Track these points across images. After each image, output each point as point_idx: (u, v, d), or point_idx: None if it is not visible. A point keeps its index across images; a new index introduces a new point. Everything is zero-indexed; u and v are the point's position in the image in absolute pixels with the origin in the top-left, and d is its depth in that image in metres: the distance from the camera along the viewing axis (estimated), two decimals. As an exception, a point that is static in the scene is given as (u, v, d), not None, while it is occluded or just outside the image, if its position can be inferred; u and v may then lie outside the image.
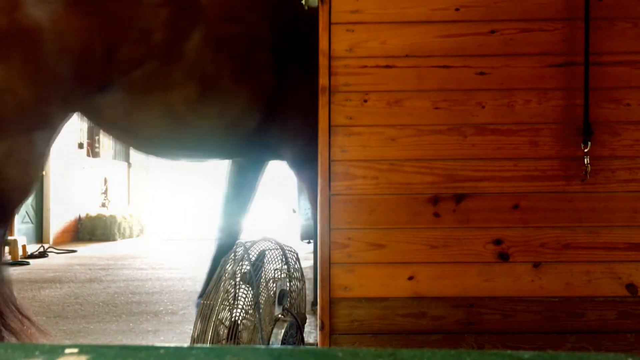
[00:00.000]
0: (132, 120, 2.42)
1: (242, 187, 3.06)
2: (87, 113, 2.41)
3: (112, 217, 9.73)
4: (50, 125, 2.19)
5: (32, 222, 8.63)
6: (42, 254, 7.45)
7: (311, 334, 3.21)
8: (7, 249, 6.90)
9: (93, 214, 9.79)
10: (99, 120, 2.49)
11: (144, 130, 2.48)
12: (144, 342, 3.31)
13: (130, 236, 10.11)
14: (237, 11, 2.53)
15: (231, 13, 2.49)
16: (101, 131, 2.64)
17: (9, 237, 7.31)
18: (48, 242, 8.70)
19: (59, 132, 2.27)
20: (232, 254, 2.09)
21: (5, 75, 1.99)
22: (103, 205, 10.41)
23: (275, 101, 2.60)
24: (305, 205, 6.29)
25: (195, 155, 2.90)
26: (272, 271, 2.20)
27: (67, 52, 2.09)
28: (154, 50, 2.27)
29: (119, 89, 2.28)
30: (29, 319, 2.25)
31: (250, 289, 2.05)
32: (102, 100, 2.31)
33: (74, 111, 2.33)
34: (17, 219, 8.11)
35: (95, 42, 2.14)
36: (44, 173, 8.81)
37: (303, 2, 2.13)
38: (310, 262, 4.98)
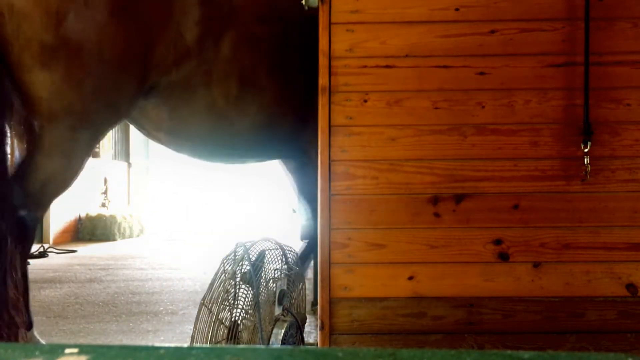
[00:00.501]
0: (175, 120, 2.53)
1: (306, 182, 3.18)
2: (134, 119, 2.55)
3: (112, 217, 9.73)
4: (94, 126, 2.32)
5: (32, 222, 8.61)
6: (42, 254, 7.45)
7: (311, 334, 3.21)
8: (7, 249, 6.89)
9: (93, 214, 9.79)
10: (145, 124, 2.61)
11: (188, 129, 2.59)
12: (144, 342, 3.31)
13: (130, 236, 10.11)
14: (267, 12, 2.65)
15: (262, 13, 2.62)
16: (149, 137, 2.78)
17: (9, 237, 7.30)
18: (48, 242, 8.69)
19: (105, 133, 2.42)
20: (232, 254, 2.09)
21: (52, 81, 2.14)
22: (103, 205, 10.41)
23: (307, 102, 2.68)
24: (305, 205, 6.27)
25: (235, 154, 2.99)
26: (272, 271, 2.20)
27: (108, 60, 2.22)
28: (190, 50, 2.38)
29: (161, 90, 2.41)
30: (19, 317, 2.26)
31: (250, 289, 2.05)
32: (147, 104, 2.44)
33: (120, 117, 2.46)
34: (17, 219, 8.09)
35: (134, 48, 2.27)
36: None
37: (303, 2, 2.13)
38: (311, 262, 4.97)
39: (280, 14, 2.71)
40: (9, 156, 2.31)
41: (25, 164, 2.29)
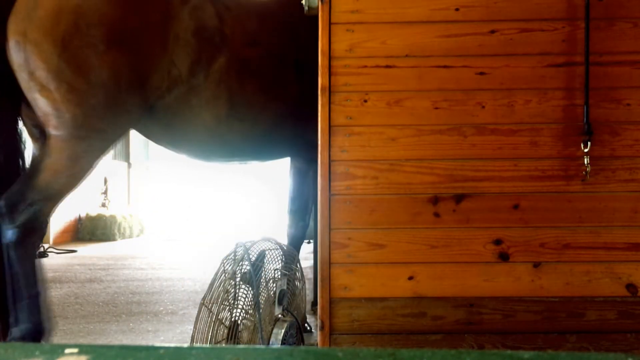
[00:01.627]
0: (172, 135, 2.85)
1: (303, 186, 3.46)
2: (140, 130, 2.87)
3: (112, 217, 9.73)
4: (98, 139, 2.58)
5: (32, 222, 8.61)
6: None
7: (311, 334, 3.21)
8: (7, 249, 6.89)
9: (93, 214, 9.79)
10: (149, 135, 2.92)
11: (184, 142, 2.91)
12: (144, 342, 3.31)
13: (130, 236, 10.11)
14: (258, 36, 2.92)
15: (253, 38, 2.89)
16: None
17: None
18: (48, 242, 8.69)
19: (110, 144, 2.67)
20: (232, 254, 2.09)
21: (55, 100, 2.44)
22: (103, 205, 10.41)
23: (305, 109, 2.88)
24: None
25: (232, 160, 3.29)
26: (272, 271, 2.20)
27: (106, 84, 2.48)
28: (182, 77, 2.66)
29: (159, 110, 2.70)
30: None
31: (250, 289, 2.05)
32: (149, 120, 2.74)
33: (124, 131, 2.73)
34: None
35: (130, 75, 2.53)
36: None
37: (303, 2, 2.13)
38: (310, 262, 4.98)
39: (267, 36, 2.96)
40: (24, 156, 2.62)
41: (36, 164, 2.54)
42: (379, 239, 2.07)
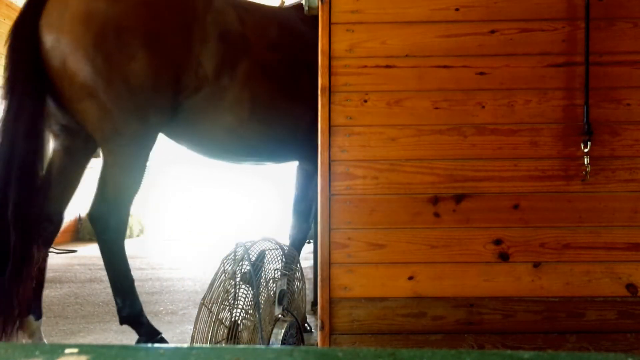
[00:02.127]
0: (195, 134, 2.90)
1: (308, 189, 3.51)
2: (167, 132, 2.92)
3: (112, 217, 9.71)
4: (139, 143, 2.68)
5: (32, 222, 8.61)
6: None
7: (311, 334, 3.21)
8: (7, 249, 6.88)
9: (93, 214, 9.77)
10: (174, 136, 2.97)
11: (205, 141, 2.96)
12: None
13: (130, 236, 10.10)
14: (277, 40, 3.02)
15: (273, 42, 2.99)
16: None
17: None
18: (48, 242, 8.67)
19: (152, 147, 2.77)
20: (232, 254, 2.09)
21: (94, 108, 2.50)
22: (103, 205, 10.38)
23: (316, 112, 3.01)
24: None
25: (250, 161, 3.37)
26: (272, 271, 2.20)
27: (139, 87, 2.55)
28: (208, 79, 2.74)
29: (185, 109, 2.76)
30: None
31: (250, 289, 2.05)
32: (175, 120, 2.80)
33: (156, 131, 2.79)
34: None
35: (161, 77, 2.61)
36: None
37: (303, 2, 2.13)
38: (310, 262, 4.98)
39: (284, 40, 3.06)
40: (43, 155, 2.72)
41: (102, 176, 2.67)
42: (379, 239, 2.07)
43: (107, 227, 2.68)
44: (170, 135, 2.97)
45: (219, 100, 2.79)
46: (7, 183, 2.43)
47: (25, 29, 2.46)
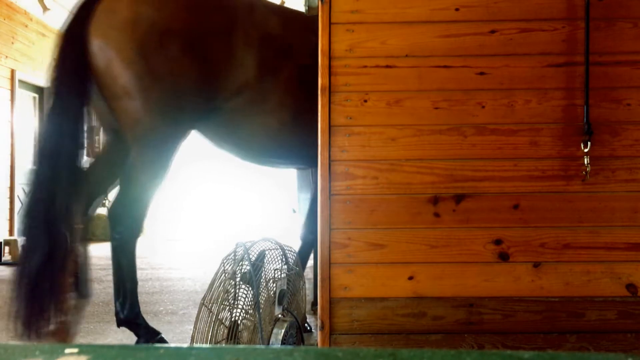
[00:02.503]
0: (236, 136, 2.98)
1: None
2: (204, 131, 2.99)
3: (112, 217, 9.71)
4: (170, 143, 2.78)
5: (32, 222, 8.61)
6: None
7: (311, 334, 3.21)
8: (7, 249, 6.90)
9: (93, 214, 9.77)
10: (214, 138, 3.04)
11: (248, 146, 3.04)
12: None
13: (130, 236, 10.08)
14: (313, 45, 3.12)
15: (310, 48, 3.02)
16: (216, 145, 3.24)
17: (9, 237, 7.31)
18: (48, 242, 8.67)
19: (179, 146, 2.86)
20: (232, 254, 2.09)
21: (136, 107, 2.63)
22: (103, 205, 10.40)
23: None
24: (305, 206, 6.29)
25: (294, 164, 3.46)
26: (272, 271, 2.20)
27: (180, 89, 2.64)
28: (249, 82, 2.80)
29: (225, 112, 2.84)
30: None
31: (250, 289, 2.05)
32: (213, 122, 2.87)
33: (187, 133, 2.89)
34: (17, 219, 8.10)
35: (201, 79, 2.69)
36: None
37: (303, 2, 2.13)
38: (310, 262, 4.98)
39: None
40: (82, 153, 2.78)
41: (125, 175, 2.78)
42: (379, 239, 2.07)
43: (124, 225, 2.79)
44: (209, 137, 3.03)
45: (261, 103, 2.86)
46: (52, 177, 2.54)
47: (74, 34, 2.60)
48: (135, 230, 2.82)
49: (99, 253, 7.79)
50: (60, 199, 2.53)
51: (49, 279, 2.50)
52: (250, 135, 2.95)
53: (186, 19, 2.65)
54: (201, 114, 2.78)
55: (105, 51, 2.58)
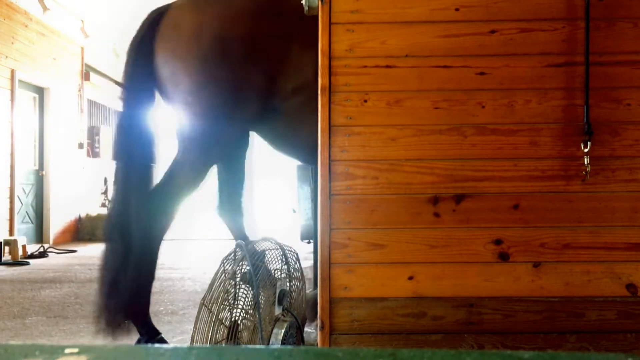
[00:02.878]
0: (296, 138, 3.07)
1: None
2: (262, 132, 3.10)
3: (112, 217, 9.70)
4: (228, 144, 2.95)
5: (32, 222, 8.63)
6: (42, 254, 7.45)
7: (311, 334, 3.21)
8: (7, 249, 6.90)
9: (93, 214, 9.78)
10: (272, 139, 3.15)
11: (306, 145, 3.09)
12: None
13: (130, 236, 10.08)
14: None
15: None
16: (270, 146, 3.34)
17: (9, 237, 7.31)
18: (48, 242, 8.69)
19: (234, 146, 3.04)
20: (232, 254, 2.09)
21: (196, 113, 2.76)
22: (103, 205, 10.40)
23: None
24: (305, 205, 6.30)
25: None
26: (272, 271, 2.20)
27: (243, 92, 2.77)
28: (308, 82, 2.85)
29: (283, 113, 2.92)
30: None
31: (250, 289, 2.05)
32: (271, 122, 2.97)
33: (248, 133, 3.07)
34: (17, 219, 8.11)
35: (262, 82, 2.81)
36: (43, 173, 8.82)
37: (303, 2, 2.13)
38: (310, 262, 4.98)
39: None
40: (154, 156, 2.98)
41: (169, 175, 2.87)
42: (379, 239, 2.07)
43: (157, 220, 2.81)
44: (267, 137, 3.12)
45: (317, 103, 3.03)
46: (127, 182, 2.76)
47: (142, 46, 2.80)
48: (164, 226, 2.85)
49: (99, 253, 7.79)
50: (136, 201, 2.72)
51: (129, 277, 2.67)
52: (307, 134, 3.05)
53: (247, 27, 2.76)
54: (260, 115, 2.87)
55: (171, 62, 2.75)
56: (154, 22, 2.83)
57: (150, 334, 2.81)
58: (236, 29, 2.74)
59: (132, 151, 2.82)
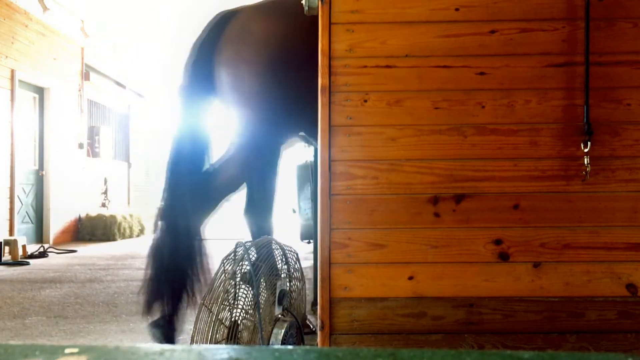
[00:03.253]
0: None
1: None
2: (310, 132, 3.18)
3: (112, 217, 9.73)
4: (276, 149, 3.05)
5: (32, 222, 8.64)
6: (42, 254, 7.45)
7: (312, 333, 3.20)
8: (7, 249, 6.90)
9: (93, 214, 9.78)
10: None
11: None
12: (144, 342, 3.30)
13: (130, 236, 10.10)
14: None
15: None
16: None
17: (9, 237, 7.31)
18: (48, 242, 8.69)
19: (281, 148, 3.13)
20: (232, 254, 2.09)
21: (259, 115, 2.88)
22: (103, 205, 10.41)
23: None
24: (305, 205, 6.31)
25: None
26: (272, 271, 2.20)
27: (299, 97, 2.81)
28: None
29: None
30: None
31: (250, 289, 2.05)
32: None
33: (300, 132, 3.15)
34: (17, 219, 8.11)
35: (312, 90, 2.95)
36: (43, 173, 8.82)
37: (303, 2, 2.13)
38: (310, 262, 4.98)
39: None
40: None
41: (218, 172, 2.98)
42: (379, 239, 2.07)
43: (193, 219, 2.92)
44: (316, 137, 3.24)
45: None
46: (181, 180, 2.85)
47: (208, 44, 2.91)
48: (202, 222, 2.95)
49: (99, 253, 7.79)
50: (191, 197, 2.84)
51: (179, 272, 2.77)
52: None
53: (309, 36, 2.88)
54: (310, 117, 3.00)
55: (238, 64, 2.86)
56: (220, 25, 2.94)
57: (168, 330, 2.84)
58: (298, 41, 2.83)
59: (189, 150, 2.92)
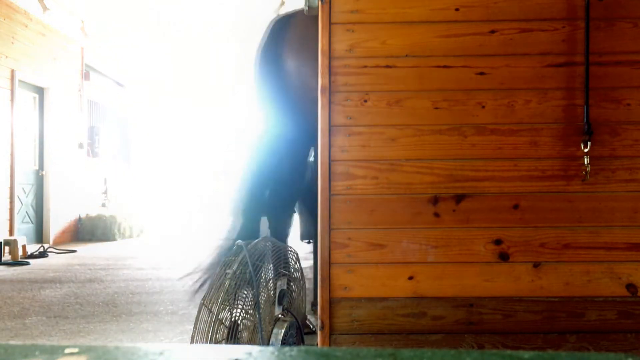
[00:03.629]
0: None
1: None
2: None
3: (112, 217, 9.73)
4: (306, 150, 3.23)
5: (32, 222, 8.63)
6: (42, 254, 7.45)
7: (312, 333, 3.20)
8: (7, 249, 6.90)
9: (93, 214, 9.78)
10: None
11: None
12: (144, 342, 3.30)
13: (130, 236, 10.10)
14: None
15: None
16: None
17: (9, 237, 7.31)
18: (48, 242, 8.69)
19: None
20: (232, 254, 2.09)
21: (308, 106, 2.89)
22: (103, 205, 10.41)
23: None
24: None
25: None
26: (272, 271, 2.20)
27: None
28: None
29: None
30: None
31: (250, 289, 2.05)
32: None
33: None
34: (17, 219, 8.11)
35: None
36: (43, 173, 8.82)
37: (303, 2, 2.13)
38: (310, 262, 4.98)
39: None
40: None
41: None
42: (379, 239, 2.07)
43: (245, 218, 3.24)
44: None
45: None
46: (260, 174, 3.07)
47: (272, 49, 3.07)
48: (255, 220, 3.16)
49: (99, 253, 7.79)
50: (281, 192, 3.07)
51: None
52: None
53: None
54: None
55: (303, 61, 2.98)
56: (281, 31, 3.10)
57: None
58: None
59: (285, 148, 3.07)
